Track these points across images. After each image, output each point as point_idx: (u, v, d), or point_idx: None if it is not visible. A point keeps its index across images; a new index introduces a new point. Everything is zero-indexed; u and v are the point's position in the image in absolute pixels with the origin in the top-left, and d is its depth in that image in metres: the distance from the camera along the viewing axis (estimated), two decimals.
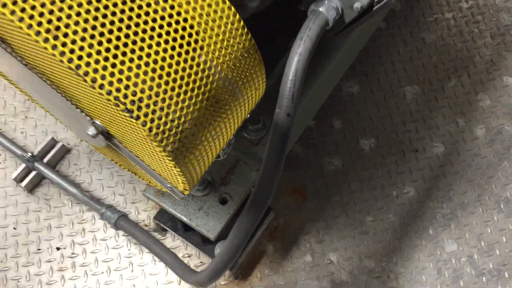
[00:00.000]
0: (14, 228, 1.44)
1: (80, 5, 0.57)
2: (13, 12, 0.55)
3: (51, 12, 0.56)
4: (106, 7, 0.58)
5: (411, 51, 1.64)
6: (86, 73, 0.56)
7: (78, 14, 0.57)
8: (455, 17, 1.67)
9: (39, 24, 0.55)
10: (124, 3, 0.59)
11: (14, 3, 0.55)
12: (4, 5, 0.55)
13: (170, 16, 0.62)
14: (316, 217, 1.43)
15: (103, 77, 0.57)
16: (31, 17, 0.55)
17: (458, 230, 1.41)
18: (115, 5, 0.58)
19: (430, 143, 1.52)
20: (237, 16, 0.68)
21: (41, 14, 0.55)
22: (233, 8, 0.67)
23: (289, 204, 1.44)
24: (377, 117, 1.56)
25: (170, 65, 0.61)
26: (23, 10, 0.55)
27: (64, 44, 0.56)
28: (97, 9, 0.58)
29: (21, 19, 0.55)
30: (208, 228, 1.11)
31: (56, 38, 0.56)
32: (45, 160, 1.48)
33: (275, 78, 1.08)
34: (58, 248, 1.41)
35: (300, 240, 1.41)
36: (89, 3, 0.57)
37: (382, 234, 1.41)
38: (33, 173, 1.46)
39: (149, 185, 1.13)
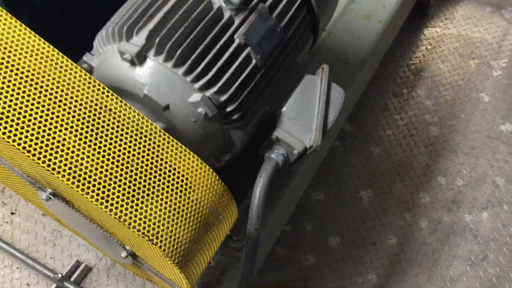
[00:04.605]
0: None
1: (117, 172, 0.95)
2: (91, 196, 0.93)
3: (110, 182, 0.94)
4: (136, 174, 0.96)
5: (363, 162, 2.04)
6: (130, 224, 0.93)
7: (119, 179, 0.95)
8: (394, 133, 2.10)
9: (103, 194, 0.93)
10: (151, 169, 0.97)
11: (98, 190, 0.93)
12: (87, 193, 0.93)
13: (174, 175, 1.00)
14: None
15: (138, 221, 0.93)
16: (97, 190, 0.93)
17: None
18: (145, 171, 0.96)
19: (385, 236, 1.86)
20: (212, 172, 1.05)
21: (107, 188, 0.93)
22: (209, 168, 1.05)
23: None
24: (341, 218, 1.91)
25: (175, 204, 0.97)
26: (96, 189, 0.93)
27: (120, 207, 0.93)
28: (133, 175, 0.96)
29: (92, 197, 0.92)
30: None
31: (112, 200, 0.92)
32: (72, 279, 1.80)
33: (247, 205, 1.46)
34: None
35: None
36: (128, 173, 0.95)
37: None
38: None
39: None
